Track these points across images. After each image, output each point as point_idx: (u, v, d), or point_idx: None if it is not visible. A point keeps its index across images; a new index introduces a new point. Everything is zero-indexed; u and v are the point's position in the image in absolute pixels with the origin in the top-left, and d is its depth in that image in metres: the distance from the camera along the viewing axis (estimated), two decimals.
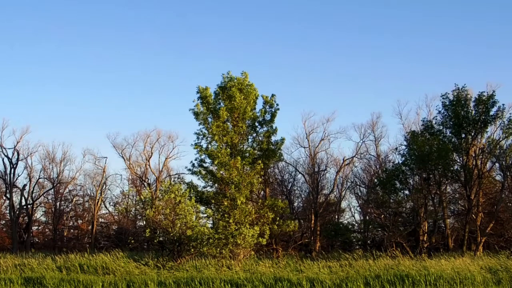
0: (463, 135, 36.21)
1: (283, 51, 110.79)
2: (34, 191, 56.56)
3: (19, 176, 56.15)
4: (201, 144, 33.75)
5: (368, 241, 47.03)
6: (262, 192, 40.58)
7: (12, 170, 53.55)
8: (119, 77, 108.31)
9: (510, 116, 35.48)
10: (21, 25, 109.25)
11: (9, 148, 53.93)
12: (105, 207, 61.68)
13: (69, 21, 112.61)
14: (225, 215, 30.55)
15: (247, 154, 33.70)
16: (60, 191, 59.19)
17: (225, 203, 31.35)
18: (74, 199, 61.52)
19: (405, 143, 39.83)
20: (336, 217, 52.64)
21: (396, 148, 42.53)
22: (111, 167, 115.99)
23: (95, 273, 27.33)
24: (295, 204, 52.76)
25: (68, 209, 61.04)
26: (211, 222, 32.57)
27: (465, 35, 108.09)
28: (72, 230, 61.77)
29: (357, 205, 54.94)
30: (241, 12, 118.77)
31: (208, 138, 33.67)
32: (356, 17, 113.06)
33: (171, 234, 29.91)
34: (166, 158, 55.64)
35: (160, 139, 55.42)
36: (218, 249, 29.32)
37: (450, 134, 36.82)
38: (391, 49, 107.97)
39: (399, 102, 72.97)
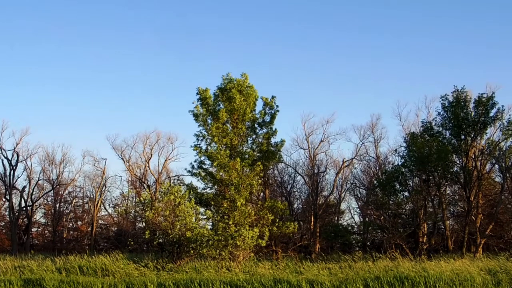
0: (463, 137, 36.24)
1: (283, 51, 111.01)
2: (34, 192, 56.60)
3: (18, 177, 56.18)
4: (200, 145, 33.83)
5: (368, 243, 47.00)
6: (261, 194, 40.57)
7: (12, 171, 53.56)
8: (119, 77, 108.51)
9: (509, 118, 35.59)
10: (21, 25, 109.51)
11: (8, 150, 53.95)
12: (105, 208, 61.72)
13: (69, 21, 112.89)
14: (225, 216, 30.55)
15: (247, 156, 33.73)
16: (60, 192, 59.16)
17: (225, 205, 31.35)
18: (74, 201, 61.48)
19: (404, 144, 39.84)
20: (336, 218, 52.61)
21: (396, 150, 42.53)
22: (110, 168, 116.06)
23: (95, 274, 27.32)
24: (295, 205, 52.75)
25: (68, 211, 61.01)
26: (211, 223, 32.62)
27: (465, 35, 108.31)
28: (71, 232, 61.72)
29: (357, 206, 55.02)
30: (241, 12, 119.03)
31: (208, 140, 33.71)
32: (356, 17, 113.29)
33: (171, 236, 29.91)
34: (165, 160, 55.63)
35: (159, 140, 55.42)
36: (218, 250, 29.33)
37: (450, 136, 36.85)
38: (391, 49, 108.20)
39: (399, 103, 72.94)
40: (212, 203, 33.01)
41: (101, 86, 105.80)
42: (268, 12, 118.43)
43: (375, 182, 44.10)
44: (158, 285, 24.48)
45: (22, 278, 26.43)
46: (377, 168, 50.81)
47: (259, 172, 32.83)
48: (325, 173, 51.40)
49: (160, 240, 31.11)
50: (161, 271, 27.42)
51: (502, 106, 35.61)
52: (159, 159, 55.89)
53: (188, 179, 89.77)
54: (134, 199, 59.03)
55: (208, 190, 34.70)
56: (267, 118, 35.48)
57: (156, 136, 55.46)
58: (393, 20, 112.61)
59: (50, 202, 59.84)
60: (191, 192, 33.59)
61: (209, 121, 34.01)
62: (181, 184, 35.58)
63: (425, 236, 37.85)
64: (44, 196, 59.06)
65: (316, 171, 48.79)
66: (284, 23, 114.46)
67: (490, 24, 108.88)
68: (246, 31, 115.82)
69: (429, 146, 35.66)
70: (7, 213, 56.09)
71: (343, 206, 54.67)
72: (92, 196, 59.28)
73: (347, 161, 50.77)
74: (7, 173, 53.53)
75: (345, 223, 52.91)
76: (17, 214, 53.71)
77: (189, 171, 34.65)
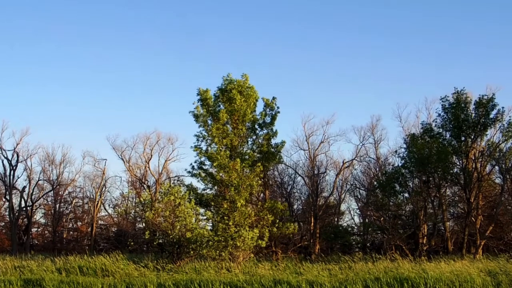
0: (463, 138, 36.24)
1: (283, 51, 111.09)
2: (34, 193, 56.67)
3: (18, 178, 56.26)
4: (200, 146, 33.82)
5: (368, 244, 47.02)
6: (261, 195, 40.57)
7: (12, 172, 53.63)
8: (119, 77, 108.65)
9: (509, 119, 35.58)
10: (21, 25, 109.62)
11: (8, 150, 54.03)
12: (105, 209, 61.76)
13: (69, 21, 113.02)
14: (225, 217, 30.54)
15: (247, 157, 33.73)
16: (60, 193, 59.19)
17: (225, 206, 31.34)
18: (74, 201, 61.51)
19: (404, 146, 39.86)
20: (336, 219, 52.64)
21: (396, 151, 42.53)
22: (110, 169, 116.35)
23: (95, 275, 27.32)
24: (295, 206, 52.77)
25: (68, 211, 61.05)
26: (211, 224, 32.60)
27: (465, 36, 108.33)
28: (71, 232, 61.75)
29: (357, 207, 55.02)
30: (241, 12, 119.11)
31: (208, 140, 33.71)
32: (356, 17, 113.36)
33: (171, 236, 29.92)
34: (165, 160, 55.67)
35: (159, 141, 55.48)
36: (218, 251, 29.32)
37: (450, 137, 36.86)
38: (391, 49, 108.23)
39: (399, 104, 72.41)
40: (212, 203, 33.01)
41: (101, 86, 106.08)
42: (268, 12, 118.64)
43: (375, 183, 44.12)
44: (158, 285, 24.47)
45: (22, 278, 26.42)
46: (377, 169, 50.85)
47: (259, 173, 32.83)
48: (325, 174, 51.50)
49: (160, 241, 31.12)
50: (161, 271, 27.41)
51: (503, 107, 35.70)
52: (159, 159, 56.03)
53: (188, 180, 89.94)
54: (134, 199, 59.07)
55: (208, 191, 34.73)
56: (268, 119, 35.49)
57: (156, 137, 55.57)
58: (393, 20, 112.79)
59: (50, 203, 59.89)
60: (191, 192, 33.59)
61: (209, 121, 34.01)
62: (181, 185, 35.62)
63: (425, 237, 37.87)
64: (44, 196, 59.14)
65: (316, 172, 48.80)
66: (284, 23, 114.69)
67: (490, 24, 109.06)
68: (246, 31, 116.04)
69: (429, 147, 35.67)
70: (7, 213, 56.13)
71: (343, 207, 54.81)
72: (92, 197, 59.33)
73: (347, 162, 50.84)
74: (7, 173, 53.66)
75: (345, 224, 53.01)
76: (17, 214, 53.74)
77: (189, 172, 34.68)
